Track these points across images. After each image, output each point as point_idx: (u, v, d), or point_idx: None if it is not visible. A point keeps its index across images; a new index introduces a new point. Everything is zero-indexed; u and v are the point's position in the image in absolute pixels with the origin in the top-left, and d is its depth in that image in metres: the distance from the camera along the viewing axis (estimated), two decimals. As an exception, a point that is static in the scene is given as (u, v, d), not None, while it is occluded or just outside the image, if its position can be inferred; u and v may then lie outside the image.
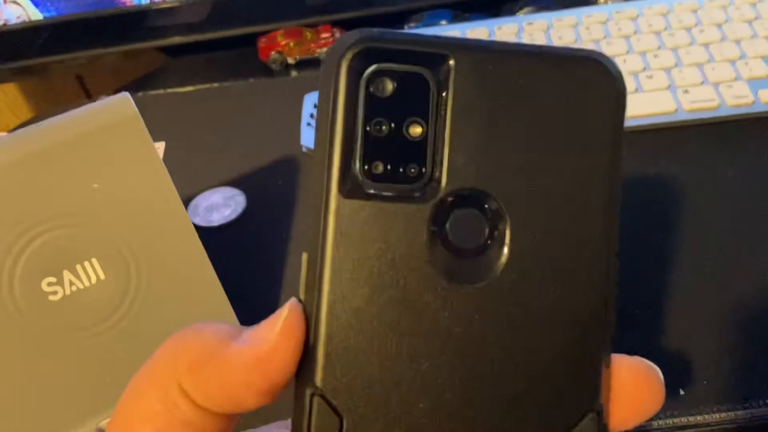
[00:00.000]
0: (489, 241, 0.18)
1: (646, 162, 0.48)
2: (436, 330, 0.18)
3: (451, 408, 0.18)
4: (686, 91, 0.50)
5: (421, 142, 0.18)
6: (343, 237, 0.18)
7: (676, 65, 0.52)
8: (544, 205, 0.18)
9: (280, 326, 0.18)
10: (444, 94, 0.18)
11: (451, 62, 0.18)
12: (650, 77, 0.51)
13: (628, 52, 0.53)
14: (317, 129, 0.18)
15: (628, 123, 0.49)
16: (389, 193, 0.18)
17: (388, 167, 0.18)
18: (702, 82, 0.50)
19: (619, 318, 0.37)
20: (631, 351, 0.38)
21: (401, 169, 0.18)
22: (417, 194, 0.18)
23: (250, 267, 0.46)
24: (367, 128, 0.18)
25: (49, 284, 0.34)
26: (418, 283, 0.18)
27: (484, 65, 0.18)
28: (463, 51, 0.18)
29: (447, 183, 0.18)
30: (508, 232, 0.18)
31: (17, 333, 0.34)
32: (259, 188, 0.52)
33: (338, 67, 0.18)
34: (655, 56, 0.53)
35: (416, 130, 0.18)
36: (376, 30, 0.18)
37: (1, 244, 0.33)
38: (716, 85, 0.50)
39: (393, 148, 0.18)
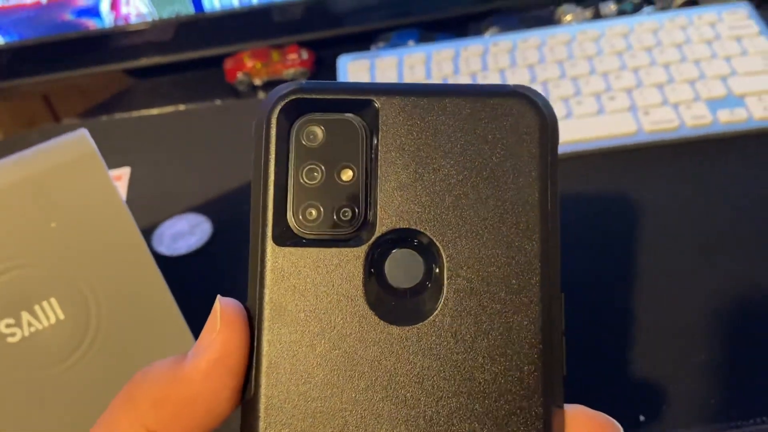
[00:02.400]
0: (427, 281, 0.19)
1: (607, 183, 0.48)
2: (377, 374, 0.18)
3: None
4: (647, 113, 0.51)
5: (353, 185, 0.19)
6: (279, 286, 0.18)
7: (636, 86, 0.52)
8: (479, 242, 0.18)
9: (219, 322, 0.18)
10: (373, 138, 0.19)
11: (377, 106, 0.19)
12: (612, 98, 0.52)
13: (591, 73, 0.54)
14: (252, 180, 0.19)
15: (590, 145, 0.49)
16: (324, 238, 0.18)
17: (322, 213, 0.19)
18: (662, 103, 0.51)
19: (575, 344, 0.37)
20: (587, 377, 0.38)
21: (335, 214, 0.19)
22: (351, 237, 0.18)
23: (215, 295, 0.46)
24: (299, 177, 0.19)
25: (7, 326, 0.34)
26: (357, 327, 0.18)
27: (410, 107, 0.19)
28: (389, 95, 0.19)
29: (380, 224, 0.18)
30: (445, 270, 0.18)
31: (-26, 377, 0.33)
32: (225, 214, 0.52)
33: (268, 119, 0.19)
34: (617, 77, 0.53)
35: (348, 175, 0.19)
36: (304, 81, 0.19)
37: (-44, 287, 0.33)
38: (676, 105, 0.51)
39: (325, 194, 0.19)
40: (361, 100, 0.19)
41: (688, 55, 0.54)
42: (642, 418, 0.36)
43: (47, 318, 0.35)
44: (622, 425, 0.36)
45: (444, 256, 0.18)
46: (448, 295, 0.18)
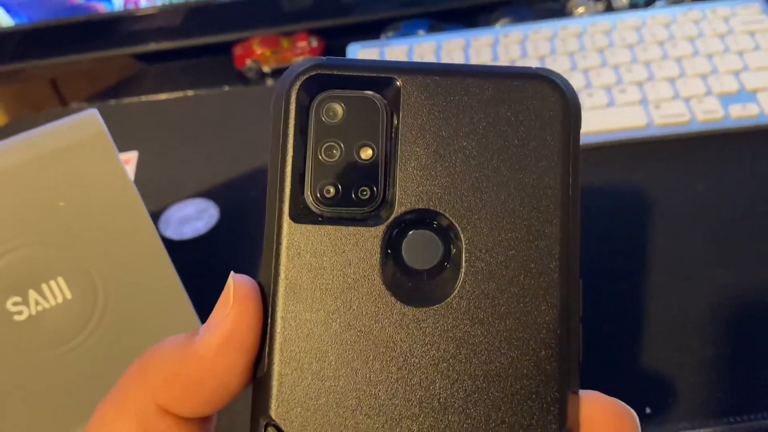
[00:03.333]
0: (444, 263, 0.18)
1: (617, 176, 0.48)
2: (392, 355, 0.17)
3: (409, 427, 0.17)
4: (658, 106, 0.50)
5: (372, 164, 0.18)
6: (295, 263, 0.18)
7: (648, 79, 0.52)
8: (498, 224, 0.18)
9: (232, 298, 0.18)
10: (393, 117, 0.18)
11: (399, 84, 0.18)
12: (623, 91, 0.51)
13: (602, 66, 0.54)
14: (270, 155, 0.18)
15: (600, 138, 0.49)
16: (341, 217, 0.18)
17: (340, 191, 0.18)
18: (673, 97, 0.51)
19: (585, 335, 0.37)
20: (597, 368, 0.38)
21: (353, 193, 0.18)
22: (369, 217, 0.18)
23: (221, 280, 0.46)
24: (318, 154, 0.18)
25: (14, 304, 0.34)
26: (373, 307, 0.18)
27: (432, 87, 0.18)
28: (411, 73, 0.18)
29: (399, 204, 0.18)
30: (463, 252, 0.18)
31: (-20, 354, 0.33)
32: (232, 200, 0.52)
33: (288, 95, 0.18)
34: (629, 70, 0.53)
35: (367, 153, 0.18)
36: (324, 57, 0.18)
37: (-36, 264, 0.33)
38: (687, 100, 0.51)
39: (344, 172, 0.18)
40: (382, 78, 0.18)
41: (700, 50, 0.53)
42: (648, 410, 0.36)
43: (54, 297, 0.35)
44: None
45: (463, 239, 0.18)
46: (466, 277, 0.18)
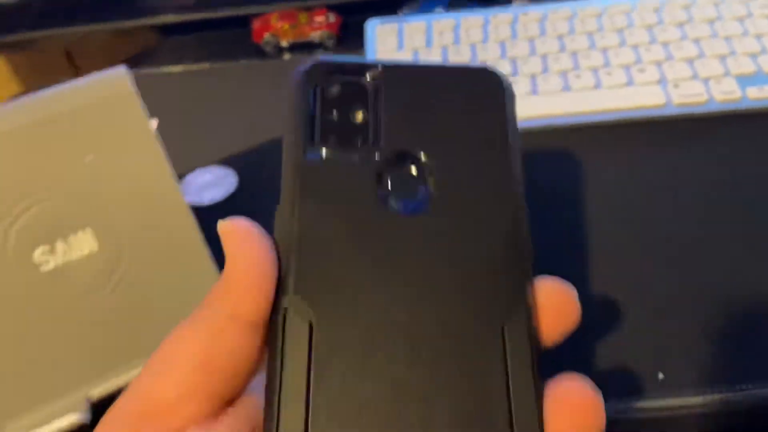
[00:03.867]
0: (420, 186, 0.24)
1: (634, 154, 0.48)
2: (389, 247, 0.22)
3: (407, 300, 0.22)
4: (676, 86, 0.51)
5: (363, 123, 0.24)
6: (307, 189, 0.23)
7: (667, 59, 0.52)
8: (459, 159, 0.24)
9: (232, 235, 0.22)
10: (377, 92, 0.25)
11: (380, 70, 0.25)
12: (642, 71, 0.52)
13: (620, 45, 0.54)
14: (284, 124, 0.24)
15: (618, 116, 0.50)
16: (342, 158, 0.23)
17: (340, 142, 0.24)
18: (692, 77, 0.51)
19: (600, 304, 0.38)
20: (611, 336, 0.38)
21: (350, 143, 0.24)
22: (363, 157, 0.23)
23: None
24: (323, 116, 0.24)
25: (42, 254, 0.34)
26: (370, 216, 0.23)
27: (405, 71, 0.25)
28: (391, 64, 0.25)
29: (385, 147, 0.24)
30: (433, 178, 0.23)
31: (8, 301, 0.34)
32: (250, 169, 0.52)
33: (298, 80, 0.24)
34: (647, 50, 0.53)
35: (359, 116, 0.24)
36: (326, 56, 0.27)
37: (-6, 212, 0.33)
38: (706, 80, 0.51)
39: (342, 130, 0.24)
40: (369, 65, 0.25)
41: (719, 32, 0.54)
42: (661, 376, 0.36)
43: (80, 248, 0.35)
44: (641, 381, 0.36)
45: (434, 169, 0.24)
46: (438, 195, 0.23)
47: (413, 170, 0.24)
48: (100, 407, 0.36)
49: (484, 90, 0.25)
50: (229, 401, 0.22)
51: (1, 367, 0.34)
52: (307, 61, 0.25)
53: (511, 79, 0.27)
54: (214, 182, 0.51)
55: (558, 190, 0.47)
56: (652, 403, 0.35)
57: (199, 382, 0.20)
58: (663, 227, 0.43)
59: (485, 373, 0.21)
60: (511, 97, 0.25)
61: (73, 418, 0.35)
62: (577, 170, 0.48)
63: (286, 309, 0.21)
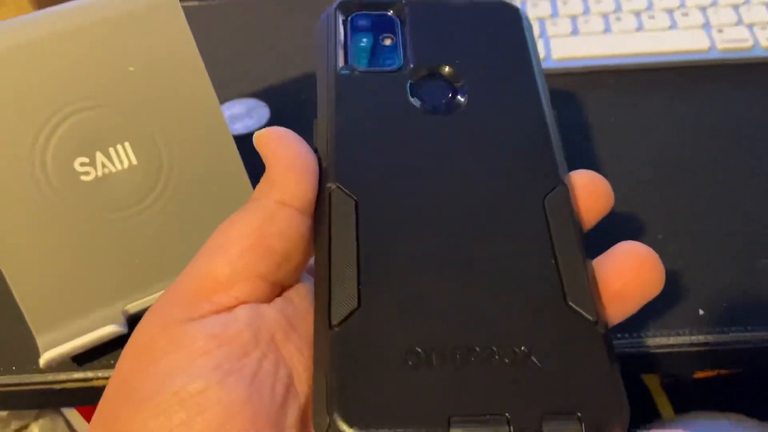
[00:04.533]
0: (451, 92, 0.24)
1: (676, 98, 0.47)
2: (425, 140, 0.23)
3: (448, 182, 0.22)
4: (720, 31, 0.49)
5: (392, 46, 0.26)
6: (343, 96, 0.24)
7: (711, 4, 0.51)
8: (486, 71, 0.25)
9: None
10: (403, 22, 0.26)
11: (404, 3, 0.27)
12: (685, 15, 0.51)
13: (663, -11, 0.53)
14: (317, 54, 0.26)
15: (661, 59, 0.49)
16: (374, 73, 0.25)
17: (372, 62, 0.25)
18: (737, 23, 0.50)
19: (642, 240, 0.37)
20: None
21: (381, 62, 0.25)
22: (394, 72, 0.25)
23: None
24: (355, 43, 0.26)
25: (82, 164, 0.34)
26: (405, 115, 0.23)
27: (428, 6, 0.27)
28: (414, 0, 0.27)
29: (414, 63, 0.25)
30: (463, 86, 0.24)
31: (48, 210, 0.34)
32: (282, 101, 0.52)
33: (329, 13, 0.26)
34: (691, -6, 0.52)
35: (388, 41, 0.26)
36: None
37: (36, 119, 0.33)
38: (750, 26, 0.50)
39: (373, 51, 0.25)
40: (392, 2, 0.27)
41: (766, -22, 0.52)
42: (702, 312, 0.36)
43: (120, 161, 0.35)
44: (682, 317, 0.36)
45: (461, 77, 0.25)
46: (470, 98, 0.24)
47: (443, 80, 0.25)
48: (136, 321, 0.36)
49: (503, 18, 0.26)
50: (283, 287, 0.22)
51: (38, 277, 0.34)
52: (337, 2, 0.26)
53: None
54: (246, 113, 0.50)
55: (596, 132, 0.46)
56: (692, 338, 0.35)
57: (252, 262, 0.21)
58: (703, 171, 0.43)
59: (532, 244, 0.21)
60: (529, 26, 0.26)
61: (111, 330, 0.35)
62: (616, 113, 0.47)
63: (331, 190, 0.21)
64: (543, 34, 0.51)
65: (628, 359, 0.35)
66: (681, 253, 0.38)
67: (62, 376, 0.35)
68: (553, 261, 0.20)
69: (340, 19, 0.26)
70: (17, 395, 0.36)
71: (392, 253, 0.20)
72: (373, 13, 0.26)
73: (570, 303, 0.19)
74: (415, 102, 0.24)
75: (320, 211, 0.21)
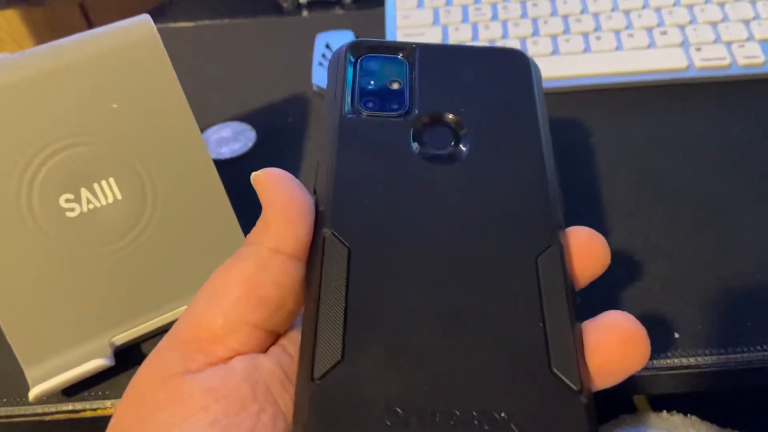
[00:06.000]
0: (453, 141, 0.25)
1: (654, 116, 0.48)
2: (423, 191, 0.23)
3: (442, 236, 0.22)
4: (699, 49, 0.50)
5: (399, 91, 0.26)
6: (346, 140, 0.24)
7: (690, 23, 0.52)
8: (490, 121, 0.25)
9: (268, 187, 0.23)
10: (412, 66, 0.27)
11: (415, 47, 0.27)
12: (664, 33, 0.51)
13: (643, 8, 0.53)
14: (327, 94, 0.26)
15: (640, 78, 0.49)
16: (379, 117, 0.25)
17: (378, 106, 0.26)
18: (715, 41, 0.51)
19: (619, 264, 0.38)
20: (630, 294, 0.39)
21: (387, 106, 0.26)
22: (399, 117, 0.25)
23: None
24: (363, 85, 0.26)
25: (67, 201, 0.35)
26: (406, 164, 0.24)
27: (440, 50, 0.28)
28: (424, 44, 0.27)
29: (420, 109, 0.26)
30: (465, 135, 0.25)
31: (35, 246, 0.34)
32: (269, 125, 0.52)
33: (341, 53, 0.27)
34: (670, 13, 0.53)
35: (395, 85, 0.26)
36: (366, 39, 0.29)
37: (22, 157, 0.34)
38: (728, 44, 0.50)
39: (380, 95, 0.26)
40: (404, 45, 0.27)
41: (744, -5, 0.53)
42: (677, 335, 0.36)
43: (105, 197, 0.35)
44: (657, 340, 0.37)
45: (464, 126, 0.25)
46: (471, 149, 0.24)
47: (446, 128, 0.25)
48: (123, 352, 0.37)
49: (512, 67, 0.27)
50: (278, 334, 0.22)
51: (26, 312, 0.35)
52: (347, 42, 0.27)
53: (533, 58, 0.28)
54: (233, 137, 0.51)
55: (576, 152, 0.47)
56: (667, 362, 0.36)
57: (246, 312, 0.21)
58: (682, 190, 0.43)
59: (520, 305, 0.21)
60: (538, 75, 0.27)
61: (98, 363, 0.35)
62: (596, 132, 0.48)
63: (325, 236, 0.21)
64: (524, 54, 0.52)
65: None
66: (657, 274, 0.39)
67: (51, 408, 0.36)
68: (541, 324, 0.20)
69: (351, 59, 0.27)
70: (7, 426, 0.37)
71: (380, 306, 0.20)
72: (383, 56, 0.27)
73: (554, 370, 0.19)
74: (417, 149, 0.24)
75: (313, 256, 0.22)
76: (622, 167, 0.45)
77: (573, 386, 0.19)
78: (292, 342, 0.22)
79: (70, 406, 0.36)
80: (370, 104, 0.25)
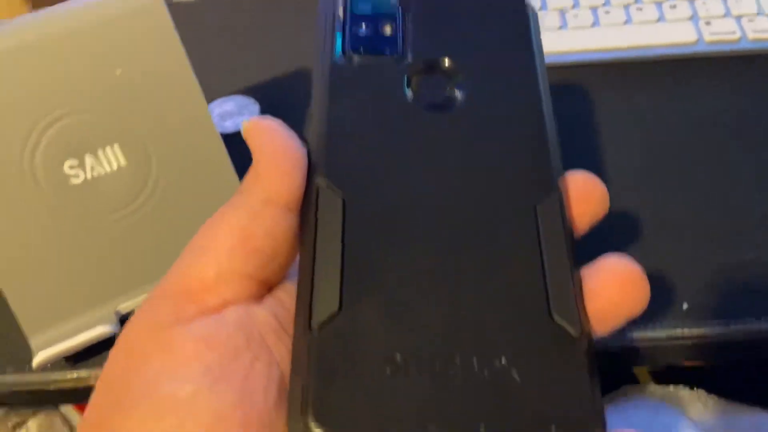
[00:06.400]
0: (448, 87, 0.24)
1: (663, 91, 0.48)
2: (418, 138, 0.22)
3: (438, 182, 0.21)
4: (708, 23, 0.50)
5: (392, 36, 0.25)
6: (337, 87, 0.23)
7: (699, -3, 0.51)
8: (486, 65, 0.24)
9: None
10: (405, 9, 0.25)
11: None
12: (673, 7, 0.51)
13: (652, -18, 0.53)
14: (315, 38, 0.25)
15: (649, 52, 0.49)
16: (371, 63, 0.24)
17: (369, 50, 0.24)
18: (724, 15, 0.50)
19: (628, 235, 0.37)
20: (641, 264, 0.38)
21: (379, 51, 0.24)
22: (392, 62, 0.24)
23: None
24: (353, 29, 0.25)
25: (71, 167, 0.34)
26: (399, 111, 0.23)
27: None
28: None
29: (413, 54, 0.24)
30: (461, 81, 0.24)
31: (39, 213, 0.34)
32: (273, 98, 0.52)
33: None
34: (680, -13, 0.52)
35: (387, 29, 0.25)
36: None
37: (25, 123, 0.33)
38: (738, 18, 0.50)
39: (371, 40, 0.25)
40: None
41: (754, -31, 0.52)
42: (685, 305, 0.36)
43: (109, 163, 0.35)
44: (666, 311, 0.36)
45: (460, 71, 0.24)
46: (466, 94, 0.23)
47: (441, 74, 0.24)
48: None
49: (509, 11, 0.25)
50: (271, 285, 0.22)
51: (30, 279, 0.35)
52: None
53: (538, 12, 0.26)
54: (237, 111, 0.51)
55: (585, 126, 0.46)
56: (676, 332, 0.35)
57: (238, 262, 0.20)
58: (691, 164, 0.43)
59: (519, 252, 0.20)
60: (535, 17, 0.26)
61: (103, 330, 0.35)
62: (604, 107, 0.47)
63: (318, 187, 0.21)
64: (531, 28, 0.51)
65: (612, 354, 0.36)
66: (666, 246, 0.39)
67: (56, 376, 0.36)
68: (540, 271, 0.20)
69: (341, 2, 0.25)
70: (12, 395, 0.36)
71: (377, 256, 0.20)
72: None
73: (554, 315, 0.19)
74: (411, 95, 0.23)
75: (307, 207, 0.21)
76: (631, 141, 0.45)
77: (573, 331, 0.19)
78: (287, 293, 0.22)
79: (75, 374, 0.36)
80: (362, 49, 0.24)
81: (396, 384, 0.18)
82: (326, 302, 0.19)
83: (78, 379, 0.36)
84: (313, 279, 0.20)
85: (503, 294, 0.20)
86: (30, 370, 0.36)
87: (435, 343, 0.19)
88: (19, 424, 0.52)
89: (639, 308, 0.20)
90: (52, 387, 0.36)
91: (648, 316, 0.36)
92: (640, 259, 0.39)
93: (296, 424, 0.18)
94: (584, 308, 0.20)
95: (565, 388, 0.18)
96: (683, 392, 0.45)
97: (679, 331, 0.35)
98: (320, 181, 0.21)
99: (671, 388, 0.45)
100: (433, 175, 0.21)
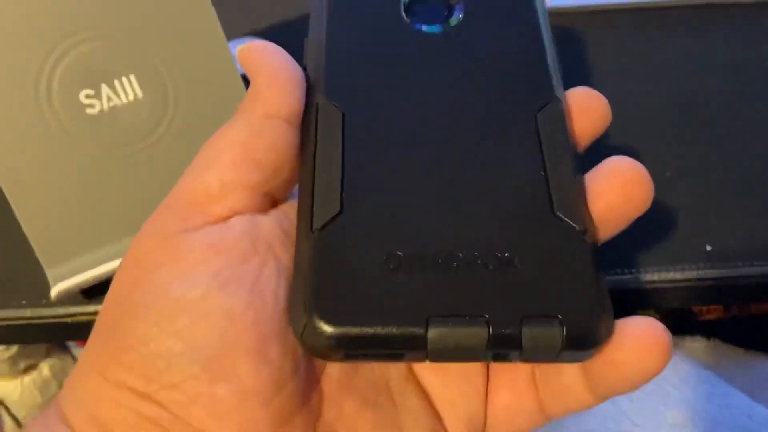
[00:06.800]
0: (447, 11, 0.24)
1: (687, 38, 0.47)
2: (417, 56, 0.22)
3: (438, 96, 0.22)
4: (733, -32, 0.48)
5: None
6: (335, 12, 0.23)
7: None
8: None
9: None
10: None
11: None
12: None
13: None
14: None
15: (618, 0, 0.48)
16: None
17: None
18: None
19: (652, 178, 0.36)
20: (661, 209, 0.38)
21: None
22: None
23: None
24: None
25: (87, 96, 0.34)
26: (398, 32, 0.23)
27: None
28: None
29: None
30: (459, 6, 0.24)
31: (56, 143, 0.33)
32: (284, 42, 0.51)
33: None
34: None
35: None
36: None
37: (40, 51, 0.32)
38: (764, -37, 0.49)
39: None
40: None
41: None
42: (709, 247, 0.36)
43: (126, 94, 0.34)
44: (688, 253, 0.36)
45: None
46: (465, 17, 0.23)
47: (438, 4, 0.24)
48: (145, 255, 0.36)
49: None
50: (276, 200, 0.22)
51: (47, 212, 0.34)
52: None
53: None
54: (250, 52, 0.50)
55: (605, 75, 0.45)
56: (699, 273, 0.35)
57: (242, 173, 0.20)
58: (716, 111, 0.42)
59: (522, 156, 0.20)
60: None
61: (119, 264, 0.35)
62: (626, 54, 0.46)
63: (318, 103, 0.21)
64: (552, -29, 0.50)
65: (634, 293, 0.35)
66: (689, 190, 0.38)
67: (72, 310, 0.36)
68: (542, 172, 0.20)
69: None
70: (28, 329, 0.36)
71: (377, 162, 0.20)
72: None
73: (557, 213, 0.19)
74: (409, 17, 0.23)
75: (307, 123, 0.21)
76: (653, 87, 0.44)
77: (576, 226, 0.19)
78: (292, 207, 0.22)
79: (92, 308, 0.36)
80: None
81: (398, 278, 0.18)
82: (327, 205, 0.19)
83: (95, 312, 0.35)
84: (314, 184, 0.20)
85: (506, 194, 0.20)
86: (46, 304, 0.36)
87: (437, 239, 0.19)
88: (31, 367, 0.53)
89: (642, 208, 0.20)
90: (68, 320, 0.36)
91: (670, 258, 0.36)
92: (663, 202, 0.39)
93: (299, 319, 0.18)
94: (587, 207, 0.20)
95: (571, 280, 0.18)
96: (697, 344, 0.45)
97: (701, 272, 0.35)
98: (320, 97, 0.21)
99: (687, 339, 0.45)
100: (432, 88, 0.22)
